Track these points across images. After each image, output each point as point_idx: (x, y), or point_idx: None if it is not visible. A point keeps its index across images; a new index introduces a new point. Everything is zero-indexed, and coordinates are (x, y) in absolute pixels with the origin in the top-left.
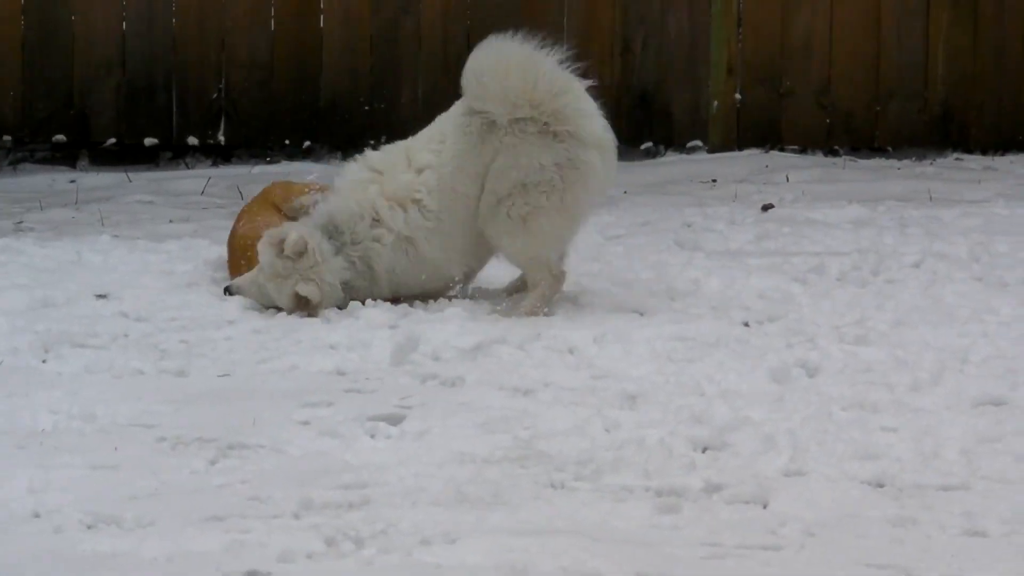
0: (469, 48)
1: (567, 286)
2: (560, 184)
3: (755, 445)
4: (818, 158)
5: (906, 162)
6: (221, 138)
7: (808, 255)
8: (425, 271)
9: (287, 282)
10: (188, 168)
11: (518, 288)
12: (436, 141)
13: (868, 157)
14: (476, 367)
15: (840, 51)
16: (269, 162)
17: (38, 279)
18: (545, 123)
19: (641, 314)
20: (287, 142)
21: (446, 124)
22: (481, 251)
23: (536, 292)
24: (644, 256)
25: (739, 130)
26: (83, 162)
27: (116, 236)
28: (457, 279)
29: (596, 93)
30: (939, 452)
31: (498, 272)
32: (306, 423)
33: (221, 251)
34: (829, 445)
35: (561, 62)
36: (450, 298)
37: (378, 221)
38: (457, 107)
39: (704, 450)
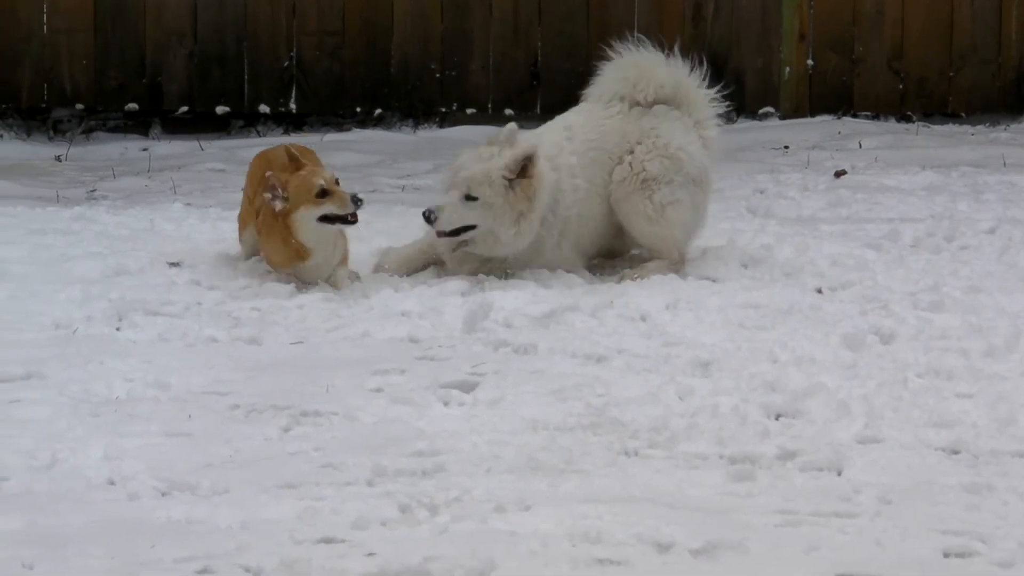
0: (540, 15)
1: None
2: (699, 179)
3: (829, 412)
4: (891, 124)
5: (980, 128)
6: (292, 106)
7: (881, 221)
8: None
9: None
10: (260, 136)
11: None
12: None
13: (941, 123)
14: (548, 334)
15: (913, 16)
16: (340, 130)
17: (111, 247)
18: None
19: (713, 281)
20: (358, 110)
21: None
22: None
23: (663, 261)
24: (716, 223)
25: (811, 96)
26: (155, 130)
27: (189, 204)
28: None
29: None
30: (1015, 418)
31: None
32: (379, 390)
33: None
34: (904, 412)
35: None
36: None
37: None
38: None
39: (778, 417)
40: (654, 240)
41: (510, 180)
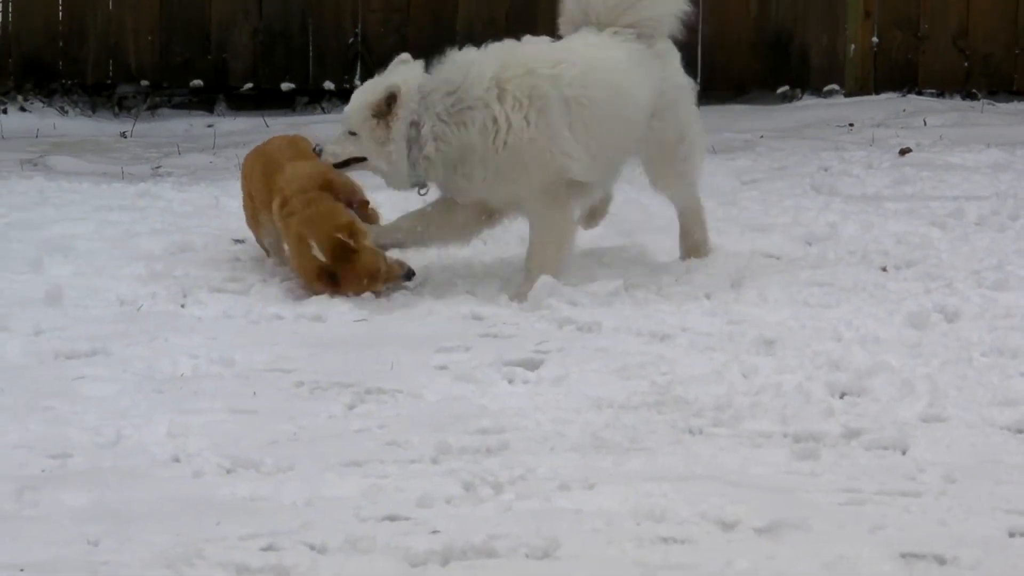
0: None
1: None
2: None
3: (893, 391)
4: (956, 102)
5: None
6: (357, 82)
7: (946, 199)
8: None
9: None
10: (324, 113)
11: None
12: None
13: (1007, 101)
14: (613, 312)
15: None
16: None
17: (176, 224)
18: None
19: (778, 259)
20: None
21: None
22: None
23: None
24: (781, 201)
25: (876, 74)
26: (220, 107)
27: None
28: None
29: (733, 36)
30: None
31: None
32: (443, 368)
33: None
34: (968, 390)
35: None
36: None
37: None
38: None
39: (842, 396)
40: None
41: (377, 116)
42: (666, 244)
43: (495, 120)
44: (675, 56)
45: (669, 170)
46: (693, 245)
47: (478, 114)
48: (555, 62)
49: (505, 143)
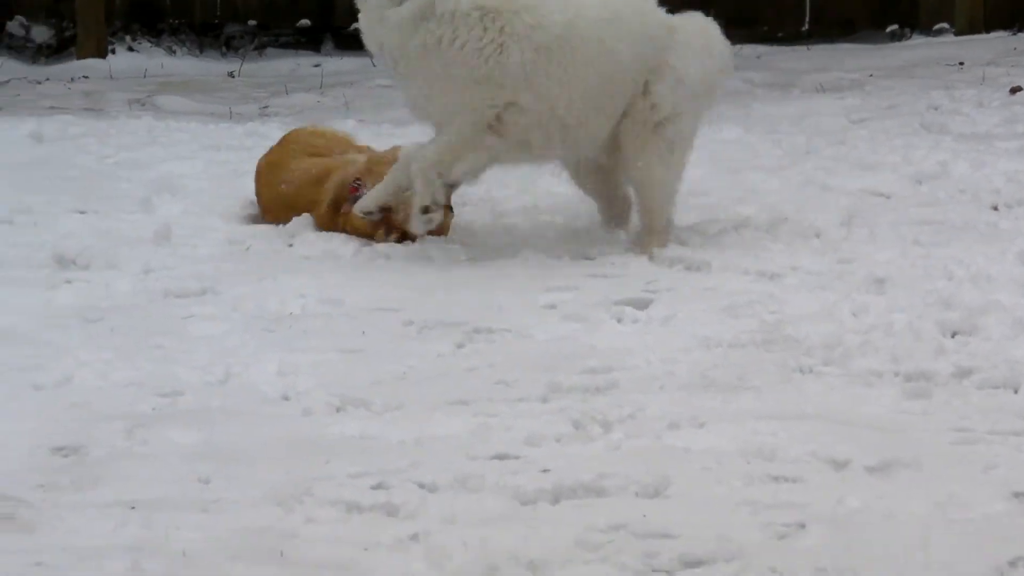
0: None
1: (815, 170)
2: (706, 105)
3: (1005, 329)
4: None
5: None
6: None
7: None
8: None
9: None
10: None
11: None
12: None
13: None
14: (721, 252)
15: None
16: None
17: None
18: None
19: (887, 198)
20: None
21: None
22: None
23: (659, 237)
24: (890, 139)
25: (986, 12)
26: (327, 46)
27: (361, 120)
28: None
29: None
30: None
31: None
32: (552, 307)
33: None
34: None
35: None
36: None
37: None
38: None
39: (953, 335)
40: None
41: None
42: (773, 183)
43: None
44: (696, 41)
45: (643, 152)
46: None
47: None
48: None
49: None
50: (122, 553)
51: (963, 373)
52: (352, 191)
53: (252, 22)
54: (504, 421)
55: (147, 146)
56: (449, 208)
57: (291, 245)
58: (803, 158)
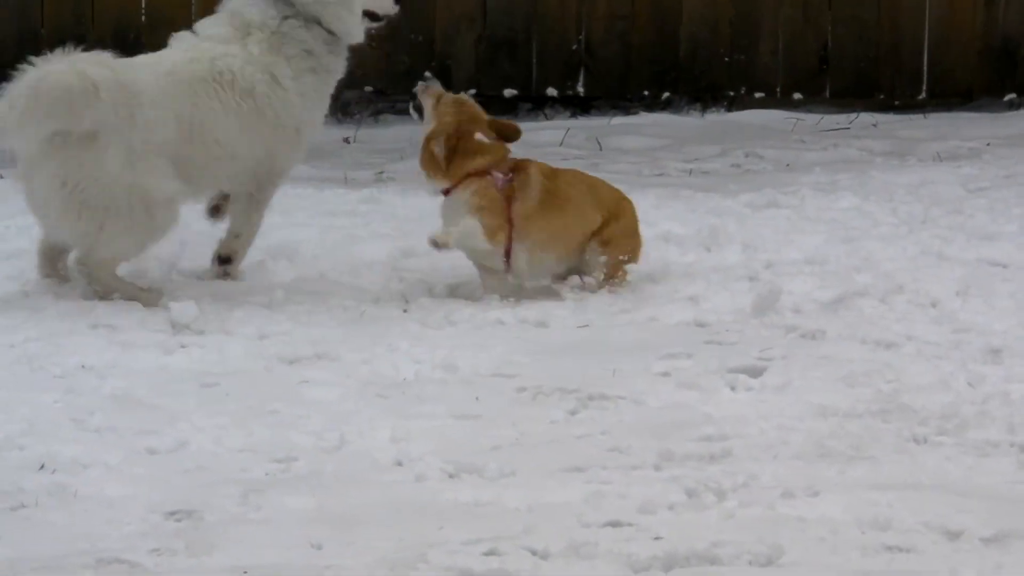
0: (830, 2)
1: (931, 239)
2: None
3: None
4: None
5: None
6: (580, 89)
7: None
8: None
9: None
10: (547, 119)
11: None
12: None
13: None
14: (837, 320)
15: None
16: (628, 113)
17: (400, 229)
18: None
19: (1005, 267)
20: (646, 93)
21: None
22: None
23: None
24: (1008, 209)
25: None
26: None
27: None
28: None
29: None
30: None
31: None
32: (666, 374)
33: None
34: None
35: None
36: None
37: None
38: None
39: None
40: None
41: None
42: (890, 251)
43: None
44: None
45: None
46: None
47: None
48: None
49: None
50: None
51: None
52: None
53: (369, 88)
54: (617, 488)
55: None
56: None
57: (405, 311)
58: (920, 227)
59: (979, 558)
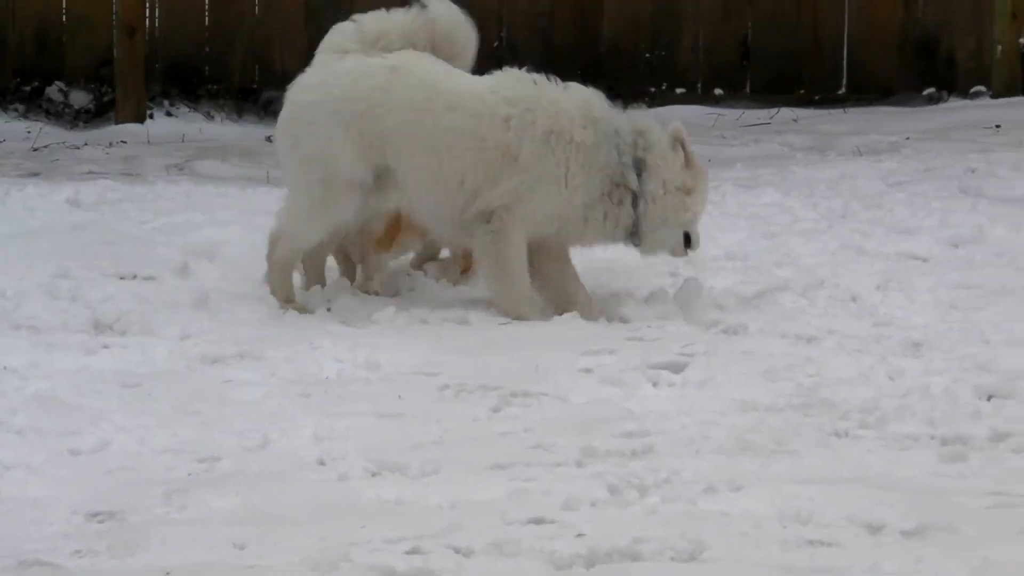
0: None
1: (852, 234)
2: None
3: None
4: None
5: None
6: None
7: None
8: None
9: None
10: None
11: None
12: None
13: None
14: (758, 315)
15: None
16: None
17: None
18: None
19: (924, 261)
20: None
21: None
22: None
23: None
24: (927, 203)
25: (1023, 75)
26: None
27: None
28: None
29: (880, 39)
30: None
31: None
32: (588, 371)
33: None
34: None
35: None
36: None
37: None
38: None
39: (990, 398)
40: None
41: None
42: (811, 246)
43: None
44: None
45: None
46: None
47: None
48: None
49: None
50: None
51: (999, 437)
52: None
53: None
54: (540, 485)
55: (185, 211)
56: None
57: (329, 309)
58: (840, 221)
59: (900, 551)
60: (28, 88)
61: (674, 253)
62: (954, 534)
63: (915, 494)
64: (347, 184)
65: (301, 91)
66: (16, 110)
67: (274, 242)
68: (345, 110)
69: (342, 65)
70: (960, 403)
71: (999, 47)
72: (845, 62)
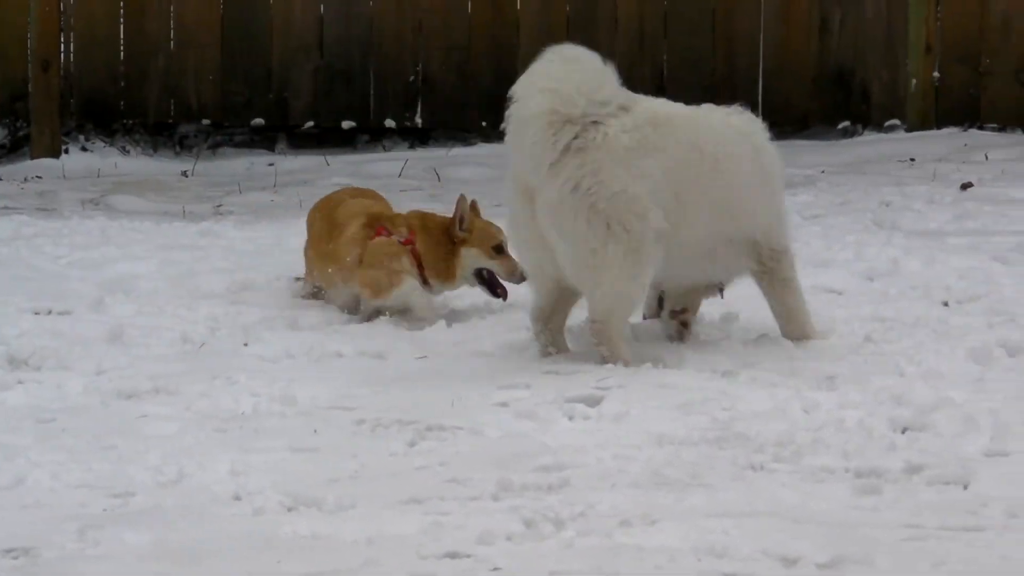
0: (665, 28)
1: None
2: None
3: (956, 426)
4: (1018, 136)
5: None
6: (418, 120)
7: (1009, 234)
8: None
9: None
10: (386, 151)
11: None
12: None
13: None
14: (674, 349)
15: None
16: (466, 144)
17: (238, 263)
18: None
19: (840, 294)
20: (484, 124)
21: None
22: None
23: None
24: (842, 236)
25: (937, 109)
26: (281, 145)
27: None
28: None
29: (794, 72)
30: None
31: None
32: (504, 405)
33: None
34: None
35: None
36: None
37: None
38: None
39: (904, 431)
40: None
41: None
42: None
43: None
44: None
45: None
46: None
47: None
48: None
49: None
50: None
51: (913, 469)
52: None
53: (206, 121)
54: (456, 519)
55: (100, 246)
56: None
57: (246, 344)
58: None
59: None
60: None
61: None
62: (869, 567)
63: (830, 527)
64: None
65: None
66: None
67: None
68: None
69: None
70: (874, 436)
71: (913, 80)
72: (760, 95)
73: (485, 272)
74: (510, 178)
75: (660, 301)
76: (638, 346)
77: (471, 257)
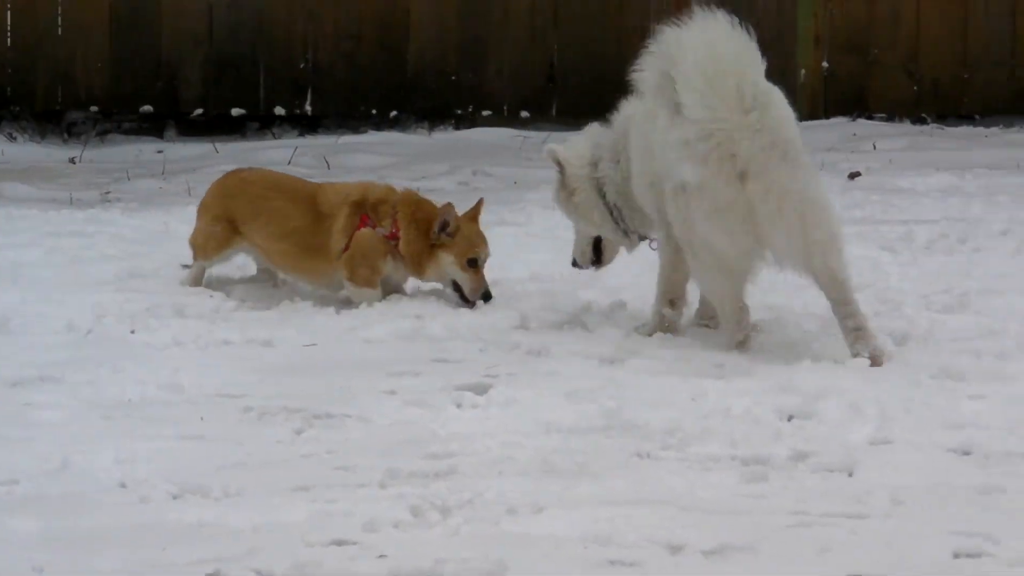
0: (556, 19)
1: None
2: None
3: (841, 414)
4: (905, 126)
5: (994, 130)
6: (308, 108)
7: (895, 223)
8: None
9: None
10: (275, 138)
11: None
12: None
13: (955, 125)
14: (562, 336)
15: (928, 19)
16: (356, 132)
17: (126, 250)
18: None
19: None
20: (373, 112)
21: None
22: None
23: None
24: None
25: (826, 99)
26: (170, 132)
27: None
28: None
29: None
30: None
31: None
32: (392, 392)
33: None
34: (916, 413)
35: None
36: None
37: None
38: None
39: (790, 419)
40: None
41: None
42: (616, 268)
43: None
44: None
45: None
46: None
47: None
48: None
49: None
50: None
51: (799, 456)
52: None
53: (94, 108)
54: (343, 507)
55: None
56: None
57: (133, 332)
58: (645, 245)
59: (700, 571)
60: None
61: None
62: (754, 554)
63: (716, 514)
64: None
65: None
66: None
67: None
68: None
69: None
70: (761, 424)
71: (802, 70)
72: None
73: (456, 283)
74: (714, 160)
75: (596, 251)
76: (526, 335)
77: (445, 263)
